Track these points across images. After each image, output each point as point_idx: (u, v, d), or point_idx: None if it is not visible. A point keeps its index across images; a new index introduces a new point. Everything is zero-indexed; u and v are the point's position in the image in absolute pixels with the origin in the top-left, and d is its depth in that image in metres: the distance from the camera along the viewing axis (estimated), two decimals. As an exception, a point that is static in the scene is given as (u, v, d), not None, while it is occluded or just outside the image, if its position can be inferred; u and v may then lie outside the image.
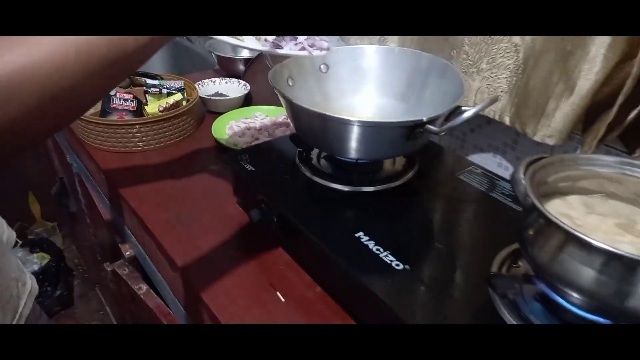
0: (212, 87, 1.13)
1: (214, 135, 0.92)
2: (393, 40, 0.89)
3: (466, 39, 0.73)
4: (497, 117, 0.76)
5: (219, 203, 0.76)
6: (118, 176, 0.84)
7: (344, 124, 0.55)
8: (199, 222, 0.72)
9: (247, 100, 1.11)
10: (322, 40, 0.67)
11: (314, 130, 0.62)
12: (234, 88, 1.13)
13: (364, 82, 0.76)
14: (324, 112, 0.55)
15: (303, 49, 0.64)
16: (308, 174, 0.66)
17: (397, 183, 0.65)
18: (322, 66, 0.75)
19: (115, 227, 0.96)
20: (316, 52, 0.63)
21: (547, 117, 0.67)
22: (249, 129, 0.95)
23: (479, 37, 0.72)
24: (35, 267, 1.59)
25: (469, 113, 0.51)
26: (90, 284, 1.80)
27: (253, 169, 0.68)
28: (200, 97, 1.03)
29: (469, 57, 0.75)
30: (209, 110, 1.07)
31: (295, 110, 0.61)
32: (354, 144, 0.58)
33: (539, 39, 0.67)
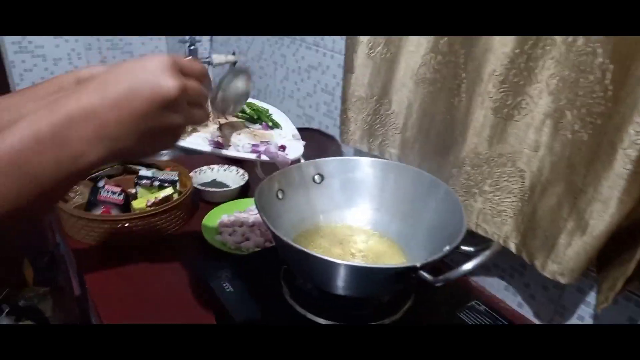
0: (209, 174, 1.10)
1: (203, 233, 0.88)
2: (394, 146, 0.86)
3: (467, 159, 0.70)
4: (501, 242, 0.70)
5: (194, 316, 0.69)
6: (93, 275, 0.79)
7: (329, 265, 0.50)
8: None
9: (244, 190, 1.07)
10: (275, 150, 0.64)
11: (299, 264, 0.57)
12: (232, 177, 1.10)
13: (358, 195, 0.72)
14: (308, 251, 0.49)
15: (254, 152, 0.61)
16: (291, 300, 0.60)
17: (392, 319, 0.58)
18: (316, 177, 0.71)
19: (86, 316, 0.90)
20: (265, 159, 0.61)
21: (558, 252, 0.61)
22: (240, 225, 0.91)
23: (480, 159, 0.68)
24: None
25: (469, 266, 0.46)
26: None
27: (232, 290, 0.62)
28: (194, 186, 1.00)
29: (470, 178, 0.70)
30: (203, 199, 1.03)
31: (278, 240, 0.56)
32: (340, 283, 0.52)
33: (546, 167, 0.62)
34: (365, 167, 0.71)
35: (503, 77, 0.63)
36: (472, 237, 0.80)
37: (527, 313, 0.76)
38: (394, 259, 0.63)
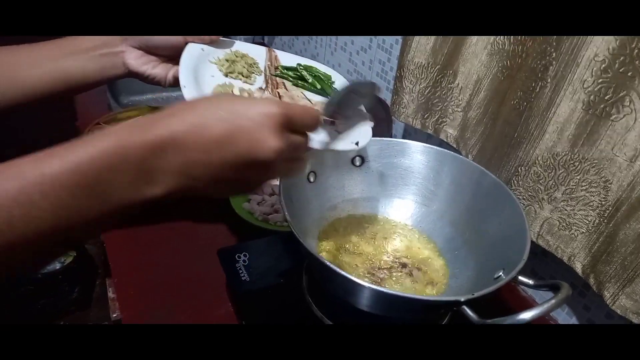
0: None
1: (230, 199, 0.82)
2: (453, 126, 0.74)
3: (540, 158, 0.58)
4: (565, 259, 0.59)
5: (209, 299, 0.64)
6: (112, 243, 0.74)
7: (351, 284, 0.42)
8: (174, 318, 0.61)
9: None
10: None
11: (319, 270, 0.49)
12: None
13: (403, 185, 0.62)
14: (340, 271, 0.41)
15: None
16: (309, 299, 0.54)
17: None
18: (356, 159, 0.62)
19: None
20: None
21: (636, 287, 0.51)
22: (271, 194, 0.84)
23: (557, 161, 0.56)
24: (57, 266, 1.58)
25: (527, 315, 0.37)
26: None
27: (248, 279, 0.56)
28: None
29: (540, 181, 0.59)
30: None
31: (296, 240, 0.47)
32: (365, 302, 0.45)
33: (641, 182, 0.50)
34: (416, 154, 0.61)
35: (606, 65, 0.49)
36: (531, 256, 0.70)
37: (580, 337, 0.66)
38: (432, 270, 0.55)
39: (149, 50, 0.52)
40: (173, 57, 0.53)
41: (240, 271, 0.57)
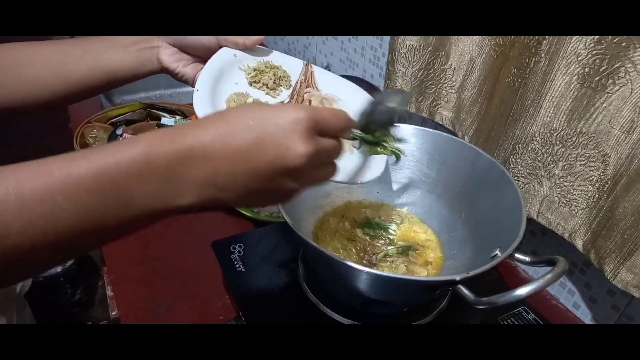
0: (239, 123, 1.01)
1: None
2: (447, 108, 0.73)
3: (537, 134, 0.57)
4: (566, 236, 0.59)
5: (207, 292, 0.64)
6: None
7: (347, 269, 0.41)
8: (172, 312, 0.60)
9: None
10: None
11: (315, 259, 0.48)
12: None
13: (398, 169, 0.61)
14: (334, 255, 0.40)
15: None
16: (305, 287, 0.53)
17: (420, 322, 0.50)
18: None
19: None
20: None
21: (636, 261, 0.50)
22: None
23: (554, 136, 0.55)
24: (58, 269, 1.57)
25: (523, 291, 0.36)
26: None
27: (243, 270, 0.55)
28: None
29: (538, 158, 0.58)
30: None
31: (291, 229, 0.46)
32: (362, 286, 0.44)
33: (639, 155, 0.49)
34: (408, 137, 0.60)
35: (600, 36, 0.48)
36: (530, 236, 0.69)
37: (582, 315, 0.65)
38: (428, 252, 0.54)
39: (182, 49, 0.52)
40: (205, 58, 0.51)
41: (236, 262, 0.56)
